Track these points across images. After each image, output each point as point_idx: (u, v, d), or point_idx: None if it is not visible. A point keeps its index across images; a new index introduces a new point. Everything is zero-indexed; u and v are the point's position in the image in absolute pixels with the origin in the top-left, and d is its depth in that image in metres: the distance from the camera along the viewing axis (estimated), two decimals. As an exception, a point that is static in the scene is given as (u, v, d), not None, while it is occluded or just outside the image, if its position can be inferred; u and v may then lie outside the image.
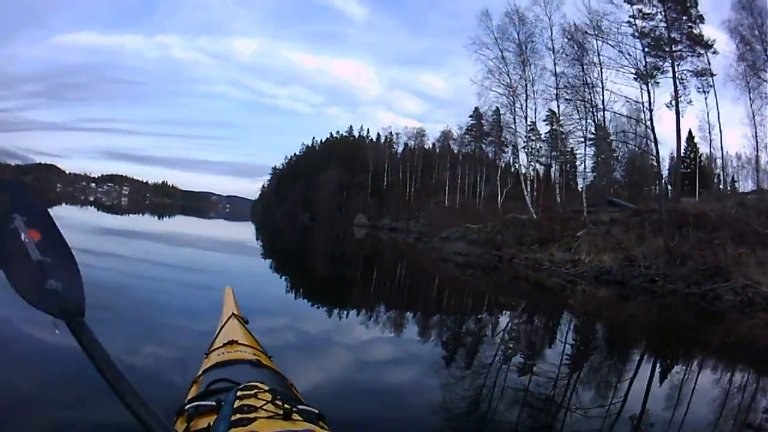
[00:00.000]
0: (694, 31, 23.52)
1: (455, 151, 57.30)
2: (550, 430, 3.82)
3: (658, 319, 10.57)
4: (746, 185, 31.24)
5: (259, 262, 14.98)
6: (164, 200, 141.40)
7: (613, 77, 23.42)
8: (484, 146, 53.52)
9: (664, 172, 38.14)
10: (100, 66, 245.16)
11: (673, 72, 23.22)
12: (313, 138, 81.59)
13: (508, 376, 4.88)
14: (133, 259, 10.78)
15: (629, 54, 23.17)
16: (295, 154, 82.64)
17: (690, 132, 30.88)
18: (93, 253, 10.34)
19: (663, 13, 23.09)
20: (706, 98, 23.97)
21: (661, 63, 23.70)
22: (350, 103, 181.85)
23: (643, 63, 23.79)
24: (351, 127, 76.08)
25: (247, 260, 14.90)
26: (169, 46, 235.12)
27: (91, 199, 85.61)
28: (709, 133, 26.30)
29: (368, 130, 74.95)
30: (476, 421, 3.90)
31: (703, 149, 30.79)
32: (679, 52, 23.47)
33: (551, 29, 25.56)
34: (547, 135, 34.87)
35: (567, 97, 25.01)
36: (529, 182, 27.06)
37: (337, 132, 77.20)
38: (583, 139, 26.60)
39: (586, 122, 25.22)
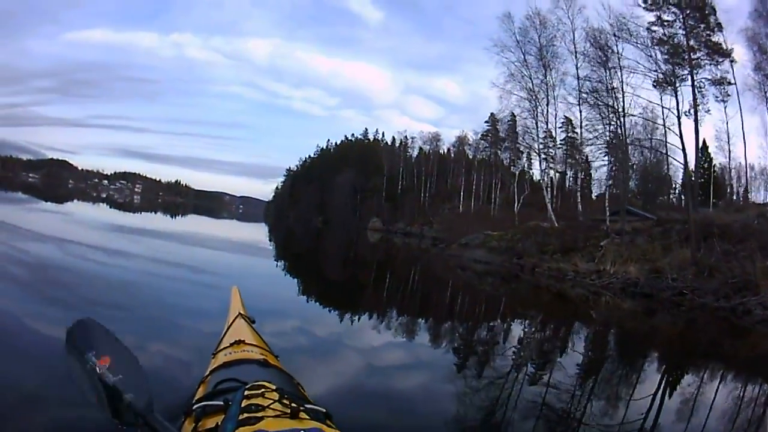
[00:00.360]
0: (713, 39, 23.43)
1: (470, 157, 57.24)
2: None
3: (682, 333, 10.52)
4: (758, 196, 31.12)
5: (270, 264, 15.08)
6: (177, 199, 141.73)
7: (634, 82, 23.50)
8: (499, 152, 53.50)
9: (678, 182, 38.10)
10: (114, 63, 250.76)
11: (692, 80, 23.10)
12: (328, 140, 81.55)
13: (523, 388, 4.81)
14: (146, 258, 10.82)
15: (649, 60, 23.29)
16: (309, 156, 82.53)
17: (704, 141, 30.69)
18: (106, 251, 10.58)
19: (682, 21, 23.03)
20: (725, 107, 23.82)
21: (680, 71, 23.66)
22: (365, 107, 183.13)
23: (662, 70, 23.92)
24: (366, 130, 75.85)
25: (259, 261, 15.00)
26: (183, 45, 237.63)
27: (104, 196, 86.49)
28: (728, 142, 26.11)
29: (383, 133, 74.89)
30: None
31: (716, 159, 30.59)
32: (697, 60, 23.39)
33: (573, 33, 25.56)
34: (563, 142, 34.79)
35: (590, 101, 24.96)
36: (548, 189, 26.85)
37: (352, 135, 77.24)
38: (605, 146, 26.49)
39: (610, 128, 25.16)
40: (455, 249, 26.18)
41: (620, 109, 23.93)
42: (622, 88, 23.78)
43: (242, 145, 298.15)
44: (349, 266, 18.01)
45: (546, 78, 25.96)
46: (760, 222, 15.98)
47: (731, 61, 22.83)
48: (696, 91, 22.98)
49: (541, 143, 27.95)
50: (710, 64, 23.16)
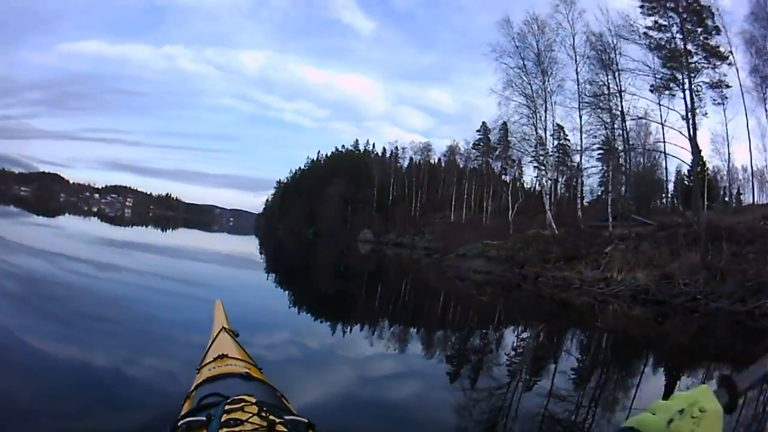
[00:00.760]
0: (710, 43, 23.40)
1: (461, 166, 57.22)
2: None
3: (693, 338, 10.22)
4: (749, 198, 31.16)
5: (261, 277, 15.00)
6: (167, 212, 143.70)
7: (636, 85, 23.53)
8: (491, 161, 53.50)
9: (670, 186, 38.19)
10: (105, 76, 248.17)
11: (690, 84, 23.07)
12: (318, 152, 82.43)
13: (523, 397, 4.69)
14: (137, 272, 10.87)
15: (648, 64, 23.25)
16: (299, 168, 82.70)
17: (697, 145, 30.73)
18: (98, 265, 10.64)
19: (679, 25, 23.00)
20: (725, 109, 23.71)
21: (677, 74, 23.63)
22: (356, 118, 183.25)
23: (660, 74, 23.90)
24: (357, 141, 75.98)
25: (250, 274, 15.04)
26: (175, 57, 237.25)
27: (95, 209, 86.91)
28: (728, 145, 26.03)
29: (374, 144, 74.94)
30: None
31: (709, 162, 30.66)
32: (694, 64, 23.34)
33: (573, 37, 25.42)
34: (555, 149, 34.63)
35: (591, 106, 24.80)
36: (547, 196, 26.55)
37: (342, 146, 77.40)
38: (605, 150, 26.31)
39: (612, 132, 24.98)
40: (452, 259, 25.75)
41: (621, 113, 23.83)
42: (620, 92, 23.71)
43: (233, 158, 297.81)
44: (340, 278, 17.65)
45: (545, 84, 25.68)
46: (766, 223, 15.69)
47: (729, 64, 22.67)
48: (693, 95, 23.00)
49: (542, 150, 27.56)
50: (708, 68, 23.08)
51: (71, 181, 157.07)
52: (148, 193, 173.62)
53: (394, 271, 24.17)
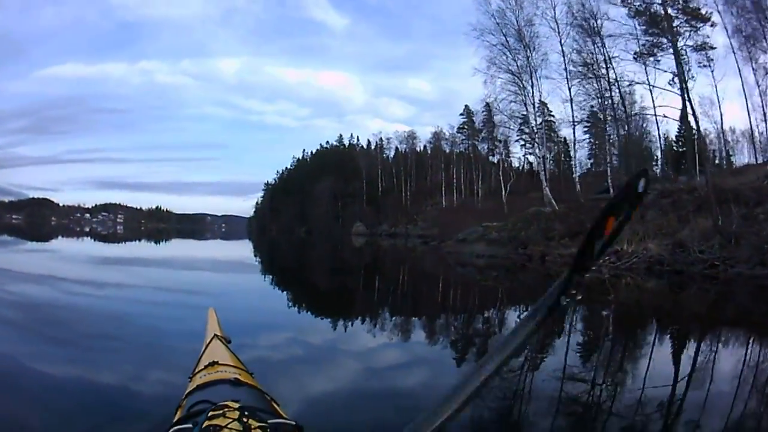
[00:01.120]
0: (690, 5, 23.13)
1: (447, 151, 57.00)
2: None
3: (711, 306, 9.89)
4: (740, 159, 31.08)
5: (256, 279, 14.65)
6: (159, 225, 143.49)
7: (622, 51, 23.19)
8: (477, 143, 53.28)
9: (658, 153, 38.02)
10: (85, 97, 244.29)
11: (675, 49, 22.79)
12: (304, 150, 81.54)
13: (533, 378, 4.49)
14: (134, 287, 10.78)
15: (630, 34, 22.99)
16: (286, 168, 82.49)
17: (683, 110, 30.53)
18: (95, 284, 10.58)
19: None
20: (713, 71, 23.46)
21: (661, 39, 23.39)
22: (337, 114, 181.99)
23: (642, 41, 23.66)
24: (341, 136, 75.61)
25: (245, 278, 14.73)
26: (152, 72, 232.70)
27: (87, 229, 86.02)
28: (720, 106, 25.79)
29: (358, 138, 74.65)
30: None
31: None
32: (676, 28, 23.06)
33: (554, 9, 25.06)
34: (540, 126, 34.37)
35: (580, 76, 24.48)
36: (543, 173, 26.24)
37: (327, 142, 77.12)
38: (591, 122, 26.04)
39: (603, 101, 24.68)
40: (451, 245, 25.34)
41: (608, 82, 23.56)
42: (609, 59, 23.45)
43: (219, 165, 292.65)
44: (335, 274, 17.25)
45: (529, 60, 25.25)
46: (769, 183, 15.44)
47: (713, 25, 22.43)
48: (679, 58, 22.73)
49: (536, 126, 27.19)
50: (690, 31, 22.81)
51: (61, 204, 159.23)
52: (138, 207, 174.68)
53: (390, 261, 23.82)
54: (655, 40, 23.43)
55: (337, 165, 65.52)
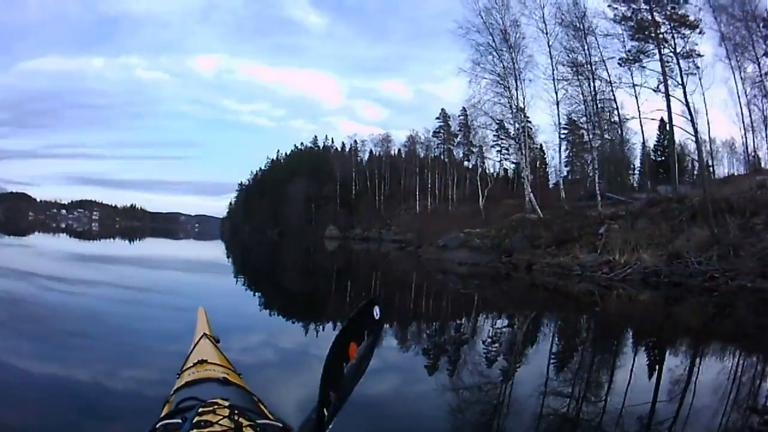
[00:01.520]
0: (678, 12, 22.90)
1: (422, 156, 56.51)
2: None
3: (708, 320, 9.52)
4: (721, 169, 31.12)
5: (230, 281, 14.53)
6: (133, 223, 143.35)
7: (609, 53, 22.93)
8: (452, 148, 52.86)
9: (636, 162, 38.04)
10: (65, 91, 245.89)
11: (660, 56, 22.57)
12: (278, 151, 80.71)
13: (504, 390, 4.60)
14: (109, 285, 10.88)
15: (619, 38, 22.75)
16: (260, 169, 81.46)
17: (662, 119, 30.43)
18: (71, 281, 10.65)
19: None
20: (700, 78, 23.13)
21: (646, 46, 23.18)
22: (313, 115, 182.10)
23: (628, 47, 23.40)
24: (315, 137, 74.70)
25: (219, 280, 14.60)
26: (131, 67, 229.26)
27: (63, 225, 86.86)
28: (706, 113, 25.52)
29: (332, 139, 73.93)
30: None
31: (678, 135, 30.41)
32: (663, 35, 22.82)
33: (543, 9, 24.55)
34: (523, 130, 34.06)
35: (568, 78, 24.10)
36: (526, 178, 25.70)
37: (302, 143, 76.42)
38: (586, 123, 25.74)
39: (592, 106, 24.34)
40: (431, 252, 24.51)
41: (596, 86, 23.27)
42: (599, 62, 23.16)
43: (194, 164, 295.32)
44: (309, 277, 17.16)
45: (514, 62, 24.62)
46: (762, 193, 15.04)
47: (701, 33, 22.22)
48: (664, 66, 22.50)
49: (519, 127, 26.66)
50: (678, 38, 22.54)
51: (38, 199, 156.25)
52: (114, 205, 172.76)
53: (364, 266, 23.42)
54: (641, 46, 23.16)
55: (311, 167, 64.67)
